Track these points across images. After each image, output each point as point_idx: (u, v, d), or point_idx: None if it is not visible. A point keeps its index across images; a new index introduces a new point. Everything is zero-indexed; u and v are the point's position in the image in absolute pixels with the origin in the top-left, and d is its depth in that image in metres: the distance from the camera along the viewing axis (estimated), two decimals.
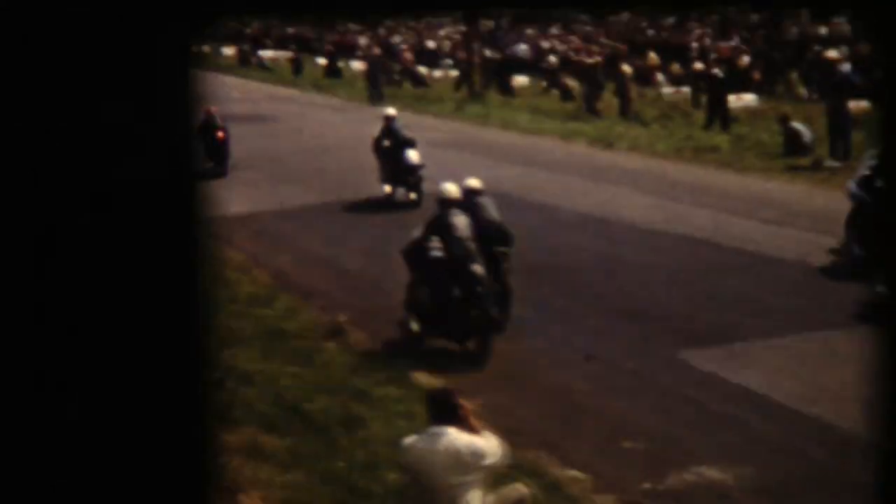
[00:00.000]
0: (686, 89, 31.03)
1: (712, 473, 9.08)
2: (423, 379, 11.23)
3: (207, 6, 2.26)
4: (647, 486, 8.98)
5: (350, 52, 45.18)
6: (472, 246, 11.77)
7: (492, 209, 12.63)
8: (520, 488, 7.58)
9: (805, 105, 27.53)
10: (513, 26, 43.32)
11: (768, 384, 10.81)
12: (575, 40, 38.28)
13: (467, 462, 6.82)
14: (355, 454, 9.38)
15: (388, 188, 19.79)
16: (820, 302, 13.09)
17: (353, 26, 50.86)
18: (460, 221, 11.91)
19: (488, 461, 6.90)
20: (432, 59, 41.82)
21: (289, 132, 29.18)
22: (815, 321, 12.47)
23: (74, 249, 2.12)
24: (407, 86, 38.71)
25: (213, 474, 2.32)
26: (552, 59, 35.88)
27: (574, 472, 9.19)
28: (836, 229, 14.68)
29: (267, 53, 48.96)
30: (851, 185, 14.82)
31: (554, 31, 41.33)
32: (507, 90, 34.97)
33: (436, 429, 6.90)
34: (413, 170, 19.30)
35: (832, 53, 26.28)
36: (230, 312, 13.37)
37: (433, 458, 6.82)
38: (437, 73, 40.26)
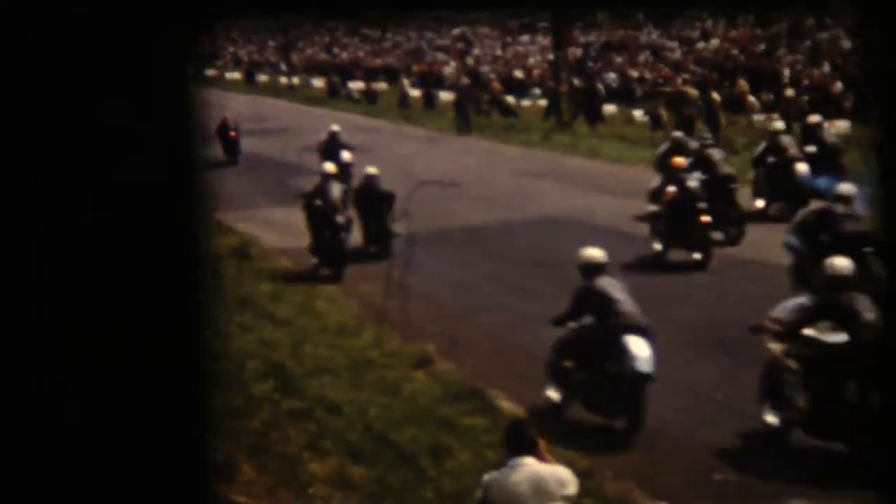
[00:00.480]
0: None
1: None
2: (510, 408, 11.19)
3: (207, 6, 2.25)
4: None
5: (436, 82, 45.38)
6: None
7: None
8: None
9: None
10: (601, 55, 43.22)
11: None
12: (664, 68, 38.08)
13: (552, 490, 6.83)
14: (443, 484, 9.36)
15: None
16: None
17: (440, 56, 51.12)
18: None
19: (570, 490, 6.91)
20: (520, 88, 41.85)
21: (376, 163, 29.28)
22: None
23: (74, 249, 2.11)
24: (495, 115, 38.77)
25: (213, 474, 2.30)
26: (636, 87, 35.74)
27: None
28: None
29: (356, 85, 49.36)
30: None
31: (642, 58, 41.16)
32: (595, 119, 34.84)
33: (516, 460, 6.92)
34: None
35: None
36: (320, 342, 13.46)
37: (518, 487, 6.81)
38: (526, 103, 40.27)
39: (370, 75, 50.94)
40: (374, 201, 18.59)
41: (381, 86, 48.54)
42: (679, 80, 32.89)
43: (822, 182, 18.18)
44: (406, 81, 44.69)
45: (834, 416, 9.76)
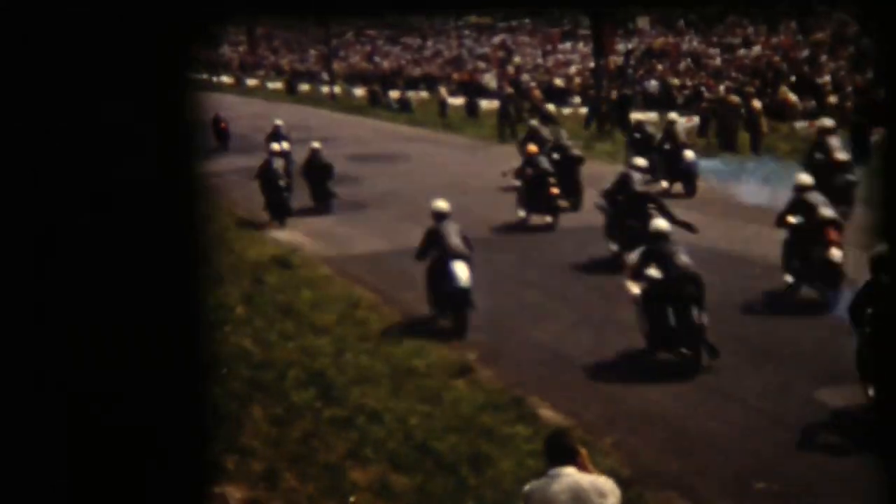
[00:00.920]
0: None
1: None
2: (551, 417, 11.18)
3: (207, 6, 2.25)
4: None
5: (477, 90, 45.39)
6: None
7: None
8: None
9: None
10: (642, 62, 43.12)
11: None
12: (705, 75, 37.93)
13: (592, 501, 6.80)
14: (484, 494, 9.36)
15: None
16: None
17: (480, 65, 51.18)
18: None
19: (610, 501, 6.87)
20: (561, 96, 41.82)
21: (418, 171, 29.37)
22: None
23: (74, 249, 2.11)
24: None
25: (212, 474, 2.30)
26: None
27: None
28: None
29: (397, 94, 49.50)
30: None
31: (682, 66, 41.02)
32: (626, 127, 34.76)
33: (556, 470, 6.90)
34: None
35: None
36: (361, 350, 13.50)
37: (558, 498, 6.79)
38: (566, 111, 40.23)
39: (410, 84, 51.07)
40: (317, 170, 24.35)
41: (422, 94, 48.64)
42: (721, 88, 32.71)
43: (710, 164, 24.69)
44: (444, 90, 44.73)
45: (662, 331, 12.88)
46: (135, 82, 2.15)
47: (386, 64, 57.63)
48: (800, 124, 32.05)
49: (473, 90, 45.06)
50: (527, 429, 10.75)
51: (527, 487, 7.06)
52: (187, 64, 2.22)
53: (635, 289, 13.19)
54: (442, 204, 15.36)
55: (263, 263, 18.53)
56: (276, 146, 25.19)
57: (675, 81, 38.60)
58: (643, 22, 48.17)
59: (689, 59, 41.48)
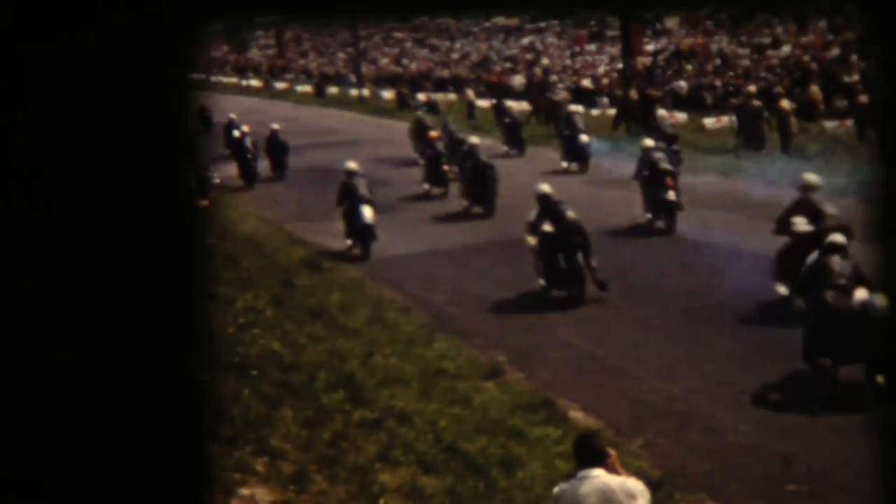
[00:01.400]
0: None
1: None
2: (581, 419, 11.16)
3: (207, 6, 2.25)
4: None
5: (505, 92, 45.34)
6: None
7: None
8: None
9: None
10: (671, 62, 42.98)
11: None
12: (732, 75, 37.78)
13: (621, 502, 6.79)
14: (514, 496, 9.35)
15: None
16: None
17: (508, 66, 51.15)
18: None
19: (640, 502, 6.87)
20: (589, 97, 41.73)
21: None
22: None
23: (75, 249, 2.12)
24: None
25: (210, 474, 2.30)
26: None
27: None
28: None
29: (425, 96, 49.48)
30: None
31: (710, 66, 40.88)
32: (650, 128, 34.64)
33: (585, 471, 6.90)
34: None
35: None
36: (390, 353, 13.52)
37: (587, 500, 6.80)
38: (595, 112, 40.14)
39: (439, 86, 51.06)
40: (276, 146, 30.61)
41: (450, 96, 48.60)
42: (751, 89, 32.55)
43: (599, 146, 29.67)
44: (471, 92, 44.68)
45: (555, 273, 16.08)
46: (135, 83, 2.15)
47: (414, 66, 57.65)
48: (829, 124, 31.88)
49: (502, 92, 45.01)
50: (557, 431, 10.75)
51: (556, 489, 7.06)
52: (188, 64, 2.22)
53: (532, 240, 16.35)
54: (352, 164, 21.04)
55: (293, 266, 18.58)
56: (245, 128, 30.50)
57: (705, 81, 38.47)
58: (672, 22, 48.02)
59: (717, 60, 41.33)
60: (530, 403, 11.64)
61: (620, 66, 39.88)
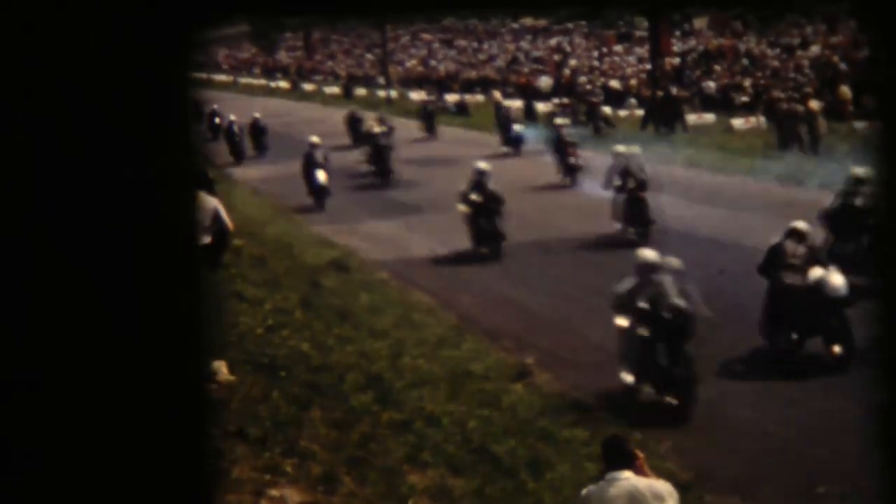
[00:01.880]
0: None
1: None
2: (609, 420, 11.14)
3: (207, 6, 2.25)
4: None
5: (533, 93, 45.30)
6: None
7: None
8: None
9: None
10: (700, 63, 42.83)
11: None
12: (762, 76, 37.63)
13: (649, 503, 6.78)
14: (542, 497, 9.35)
15: None
16: None
17: (536, 66, 51.09)
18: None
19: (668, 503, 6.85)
20: (618, 98, 41.64)
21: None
22: None
23: (74, 249, 2.12)
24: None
25: (212, 476, 2.30)
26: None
27: None
28: None
29: (453, 97, 49.48)
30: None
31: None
32: (674, 129, 34.52)
33: (614, 474, 6.88)
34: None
35: None
36: (418, 354, 13.53)
37: (615, 502, 6.78)
38: (623, 113, 40.04)
39: (466, 87, 51.04)
40: (258, 131, 36.04)
41: (478, 98, 48.57)
42: (776, 93, 32.42)
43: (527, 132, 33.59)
44: (498, 93, 44.64)
45: (479, 234, 19.18)
46: (135, 83, 2.15)
47: (442, 68, 57.65)
48: (859, 124, 31.69)
49: (530, 93, 44.96)
50: (585, 432, 10.73)
51: (584, 491, 7.05)
52: (188, 64, 2.22)
53: (463, 208, 18.71)
54: (315, 138, 26.12)
55: (321, 267, 18.62)
56: (233, 117, 35.97)
57: (734, 82, 38.33)
58: (700, 23, 47.84)
59: (746, 60, 41.17)
60: (559, 405, 11.63)
61: (648, 66, 39.76)
